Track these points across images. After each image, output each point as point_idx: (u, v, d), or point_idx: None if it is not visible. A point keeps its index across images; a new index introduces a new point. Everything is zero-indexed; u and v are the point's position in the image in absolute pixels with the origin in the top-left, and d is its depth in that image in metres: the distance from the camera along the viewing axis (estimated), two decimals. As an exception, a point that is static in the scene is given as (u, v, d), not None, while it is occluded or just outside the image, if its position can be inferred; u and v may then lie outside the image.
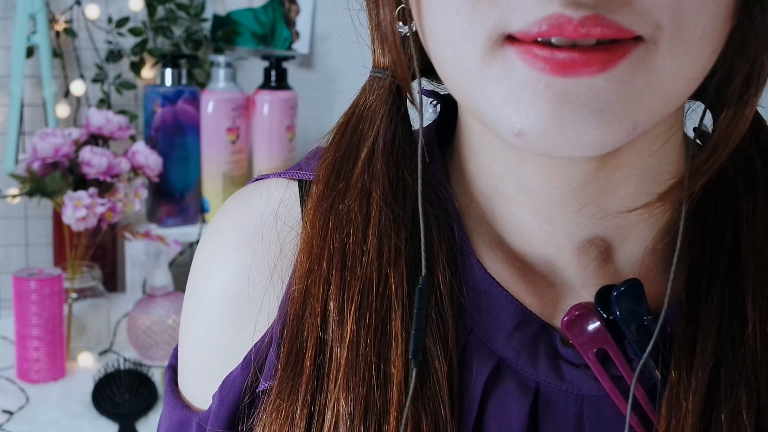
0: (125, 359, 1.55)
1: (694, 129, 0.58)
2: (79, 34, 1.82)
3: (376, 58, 0.59)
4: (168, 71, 1.76)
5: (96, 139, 1.66)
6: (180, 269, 1.80)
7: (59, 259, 1.78)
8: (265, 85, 1.81)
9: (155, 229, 1.79)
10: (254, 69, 1.89)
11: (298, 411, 0.55)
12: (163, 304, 1.62)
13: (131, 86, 1.85)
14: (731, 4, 0.46)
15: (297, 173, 0.62)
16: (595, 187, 0.54)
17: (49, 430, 1.40)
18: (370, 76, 0.60)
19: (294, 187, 0.61)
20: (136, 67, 1.86)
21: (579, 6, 0.43)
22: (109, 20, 1.83)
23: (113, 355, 1.64)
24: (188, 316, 0.64)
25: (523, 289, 0.57)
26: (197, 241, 0.61)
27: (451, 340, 0.54)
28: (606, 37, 0.44)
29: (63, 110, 1.80)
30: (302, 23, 1.94)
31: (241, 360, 0.60)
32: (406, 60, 0.56)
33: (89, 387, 1.50)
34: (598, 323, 0.54)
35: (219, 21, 1.94)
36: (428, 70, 0.57)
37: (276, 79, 1.80)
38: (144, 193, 1.67)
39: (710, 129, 0.54)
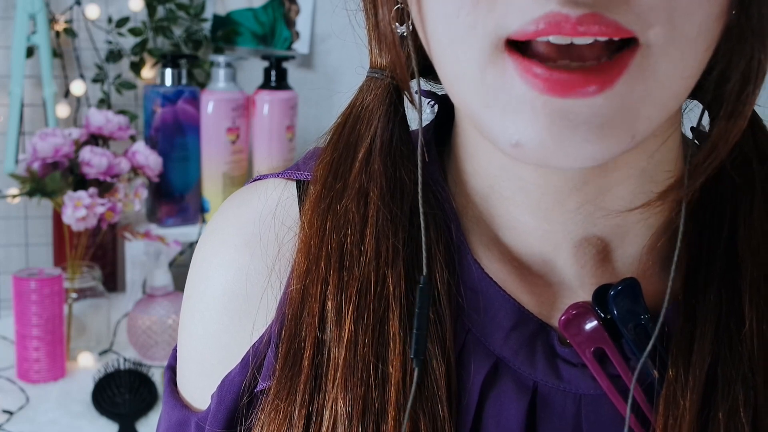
0: (125, 359, 1.55)
1: (692, 128, 0.58)
2: (79, 34, 1.82)
3: (373, 59, 0.59)
4: (168, 71, 1.76)
5: (96, 139, 1.66)
6: (180, 269, 1.80)
7: (59, 259, 1.78)
8: (265, 85, 1.81)
9: (155, 229, 1.79)
10: (254, 69, 1.89)
11: (297, 411, 0.55)
12: (163, 304, 1.62)
13: (131, 86, 1.85)
14: (725, 1, 0.46)
15: (295, 173, 0.62)
16: (593, 188, 0.54)
17: (49, 430, 1.40)
18: (367, 76, 0.60)
19: (292, 187, 0.61)
20: (136, 67, 1.86)
21: (577, 4, 0.43)
22: (109, 20, 1.83)
23: (113, 355, 1.64)
24: (187, 316, 0.64)
25: (520, 288, 0.57)
26: (197, 241, 0.61)
27: (449, 339, 0.54)
28: (604, 35, 0.44)
29: (63, 110, 1.80)
30: (302, 23, 1.94)
31: (239, 360, 0.60)
32: (403, 60, 0.56)
33: (89, 387, 1.50)
34: (595, 322, 0.54)
35: (219, 21, 1.94)
36: (426, 71, 0.57)
37: (276, 79, 1.80)
38: (144, 193, 1.67)
39: (707, 129, 0.54)
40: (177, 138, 1.76)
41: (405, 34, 0.55)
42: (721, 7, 0.46)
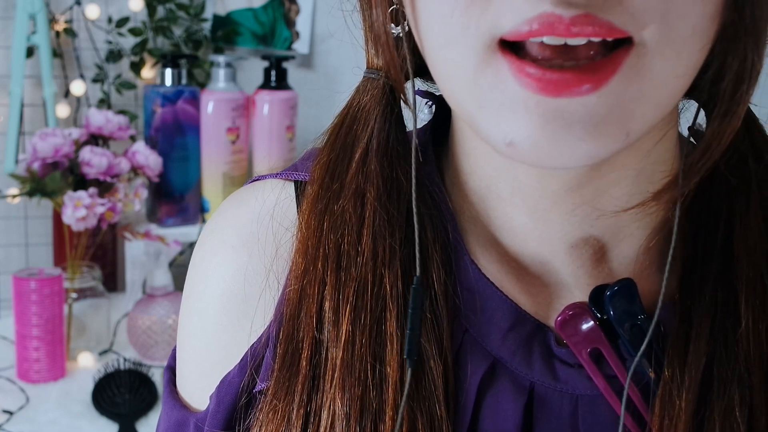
0: (125, 359, 1.55)
1: (689, 128, 0.58)
2: (79, 34, 1.82)
3: (369, 59, 0.59)
4: (168, 71, 1.76)
5: (96, 139, 1.66)
6: (180, 269, 1.80)
7: (59, 259, 1.78)
8: (265, 85, 1.81)
9: (155, 229, 1.79)
10: (254, 69, 1.89)
11: (295, 411, 0.55)
12: (163, 304, 1.62)
13: (131, 86, 1.85)
14: (719, 1, 0.47)
15: (293, 174, 0.62)
16: (589, 188, 0.54)
17: (49, 430, 1.40)
18: (363, 77, 0.60)
19: (290, 188, 0.61)
20: (136, 67, 1.86)
21: (570, 5, 0.43)
22: (109, 20, 1.83)
23: (113, 355, 1.64)
24: (186, 315, 0.64)
25: (517, 288, 0.57)
26: (197, 241, 0.62)
27: (446, 339, 0.54)
28: (597, 36, 0.44)
29: (63, 110, 1.80)
30: (302, 23, 1.94)
31: (238, 360, 0.60)
32: (399, 61, 0.56)
33: (89, 387, 1.50)
34: (591, 323, 0.54)
35: (219, 21, 1.94)
36: (422, 71, 0.57)
37: (276, 79, 1.80)
38: (144, 193, 1.67)
39: (704, 128, 0.54)
40: (177, 138, 1.77)
41: (400, 35, 0.55)
42: (716, 7, 0.46)
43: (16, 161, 1.70)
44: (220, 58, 1.78)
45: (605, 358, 0.54)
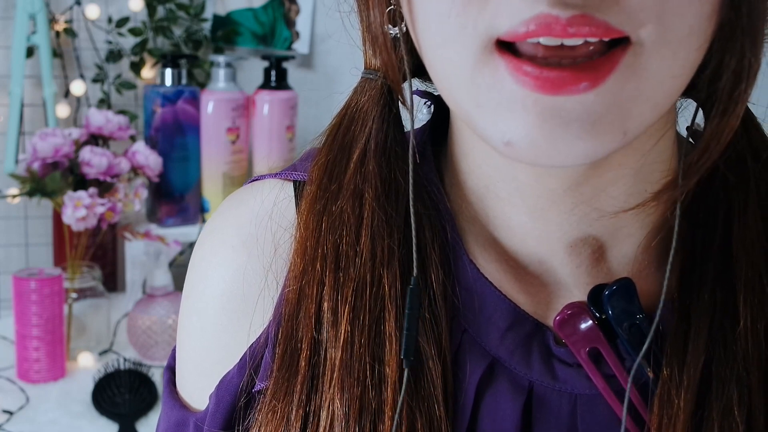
0: (125, 359, 1.55)
1: (687, 128, 0.58)
2: (79, 34, 1.82)
3: (367, 60, 0.59)
4: (168, 71, 1.76)
5: (96, 139, 1.66)
6: (180, 269, 1.80)
7: (59, 259, 1.78)
8: (265, 85, 1.81)
9: (155, 229, 1.79)
10: (254, 69, 1.89)
11: (294, 412, 0.55)
12: (163, 304, 1.62)
13: (131, 86, 1.85)
14: (716, 1, 0.46)
15: (292, 174, 0.62)
16: (588, 188, 0.54)
17: (49, 430, 1.40)
18: (361, 77, 0.60)
19: (289, 188, 0.61)
20: (136, 67, 1.86)
21: (567, 6, 0.43)
22: (109, 20, 1.83)
23: (113, 355, 1.64)
24: (185, 315, 0.64)
25: (516, 288, 0.57)
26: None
27: (445, 339, 0.54)
28: (594, 36, 0.44)
29: (63, 110, 1.80)
30: (302, 23, 1.94)
31: (237, 360, 0.60)
32: (396, 61, 0.56)
33: (89, 387, 1.50)
34: (590, 322, 0.54)
35: (219, 21, 1.94)
36: (419, 71, 0.57)
37: (276, 79, 1.80)
38: (144, 193, 1.67)
39: (703, 127, 0.54)
40: (177, 138, 1.77)
41: (398, 35, 0.55)
42: (712, 7, 0.46)
43: (16, 161, 1.70)
44: (220, 58, 1.78)
45: (604, 357, 0.54)
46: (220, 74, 1.79)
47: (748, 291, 0.54)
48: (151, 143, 1.75)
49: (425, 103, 0.62)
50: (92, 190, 1.56)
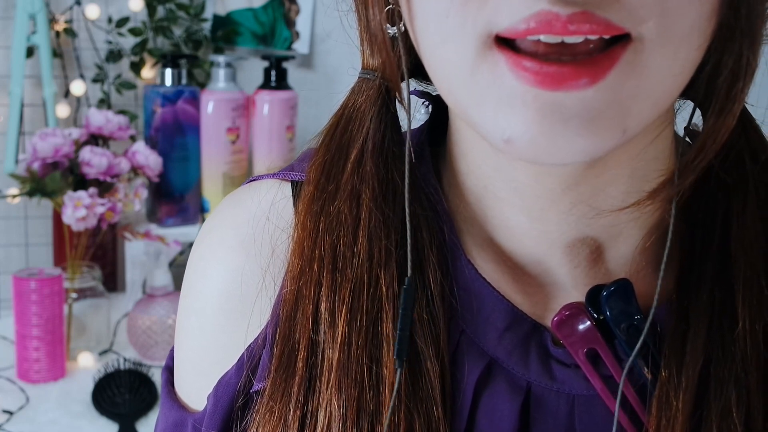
0: (125, 359, 1.55)
1: (685, 128, 0.58)
2: (79, 34, 1.82)
3: (365, 60, 0.59)
4: (168, 71, 1.76)
5: (96, 139, 1.66)
6: (180, 269, 1.80)
7: (59, 259, 1.78)
8: (265, 85, 1.81)
9: (155, 229, 1.79)
10: (254, 69, 1.89)
11: (291, 412, 0.55)
12: (163, 304, 1.62)
13: (131, 86, 1.85)
14: (716, 0, 0.46)
15: (289, 174, 0.62)
16: (586, 187, 0.54)
17: (49, 430, 1.40)
18: (359, 77, 0.60)
19: (286, 188, 0.61)
20: (136, 67, 1.86)
21: (567, 3, 0.43)
22: (109, 20, 1.83)
23: (113, 355, 1.64)
24: (184, 315, 0.64)
25: (514, 289, 0.57)
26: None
27: (443, 340, 0.54)
28: (595, 33, 0.43)
29: (63, 110, 1.80)
30: (302, 23, 1.94)
31: (235, 361, 0.60)
32: (395, 60, 0.56)
33: (89, 387, 1.50)
34: (588, 323, 0.54)
35: (219, 21, 1.94)
36: (417, 71, 0.57)
37: (276, 79, 1.80)
38: (144, 193, 1.67)
39: (701, 128, 0.54)
40: (177, 138, 1.77)
41: (396, 35, 0.55)
42: (712, 6, 0.46)
43: (16, 161, 1.70)
44: (220, 58, 1.78)
45: (602, 358, 0.54)
46: (220, 74, 1.79)
47: (746, 292, 0.54)
48: (151, 143, 1.75)
49: (423, 104, 0.62)
50: (92, 190, 1.56)
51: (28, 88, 1.77)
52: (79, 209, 1.53)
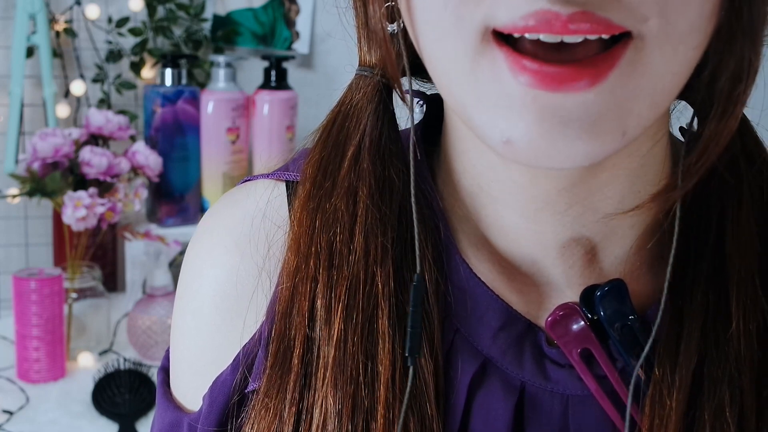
0: (125, 359, 1.55)
1: (680, 128, 0.58)
2: (79, 34, 1.82)
3: (362, 56, 0.59)
4: (168, 71, 1.76)
5: (96, 139, 1.66)
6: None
7: (59, 259, 1.78)
8: (265, 85, 1.82)
9: (155, 229, 1.79)
10: (254, 69, 1.90)
11: (287, 409, 0.55)
12: (163, 304, 1.62)
13: (131, 86, 1.86)
14: (717, 1, 0.46)
15: (284, 174, 0.62)
16: (582, 189, 0.54)
17: (49, 430, 1.40)
18: (356, 74, 0.60)
19: (281, 187, 0.61)
20: (136, 67, 1.86)
21: (568, 2, 0.42)
22: (109, 20, 1.83)
23: (113, 355, 1.64)
24: (179, 315, 0.64)
25: (508, 288, 0.57)
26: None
27: (437, 338, 0.54)
28: (595, 33, 0.43)
29: (63, 110, 1.80)
30: (302, 23, 1.94)
31: (231, 361, 0.60)
32: (394, 57, 0.55)
33: (89, 387, 1.50)
34: (582, 323, 0.54)
35: (219, 21, 1.95)
36: (415, 69, 0.57)
37: (276, 79, 1.80)
38: (144, 193, 1.67)
39: (695, 128, 0.54)
40: (177, 138, 1.77)
41: (395, 31, 0.55)
42: (713, 6, 0.46)
43: (16, 161, 1.70)
44: (220, 58, 1.79)
45: (596, 358, 0.54)
46: (220, 74, 1.79)
47: (740, 292, 0.54)
48: (151, 143, 1.76)
49: (418, 103, 0.62)
50: (92, 190, 1.56)
51: (28, 88, 1.77)
52: (79, 209, 1.53)
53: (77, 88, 1.81)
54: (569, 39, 0.44)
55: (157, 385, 0.67)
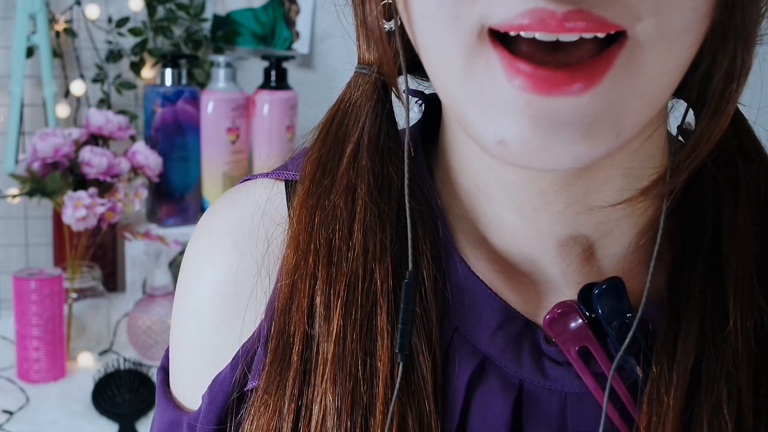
0: (125, 359, 1.56)
1: (678, 127, 0.58)
2: (79, 34, 1.82)
3: (361, 54, 0.59)
4: (168, 71, 1.76)
5: (96, 139, 1.67)
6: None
7: (59, 259, 1.78)
8: (265, 85, 1.82)
9: (155, 229, 1.79)
10: (254, 69, 1.90)
11: (286, 405, 0.55)
12: (163, 304, 1.62)
13: (131, 86, 1.86)
14: (711, 0, 0.46)
15: (283, 173, 0.62)
16: (579, 188, 0.54)
17: (49, 430, 1.41)
18: (355, 72, 0.60)
19: (280, 186, 0.62)
20: (136, 67, 1.87)
21: (563, 1, 0.42)
22: (109, 20, 1.83)
23: (113, 355, 1.65)
24: (178, 315, 0.64)
25: (506, 286, 0.57)
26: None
27: (435, 336, 0.55)
28: (591, 31, 0.43)
29: (63, 110, 1.80)
30: (302, 23, 1.94)
31: (230, 360, 0.60)
32: (392, 55, 0.55)
33: (89, 387, 1.50)
34: (580, 321, 0.54)
35: (219, 21, 1.95)
36: (413, 67, 0.57)
37: (276, 79, 1.80)
38: (144, 193, 1.67)
39: (694, 127, 0.54)
40: (177, 138, 1.77)
41: (393, 29, 0.55)
42: (707, 5, 0.46)
43: (16, 161, 1.71)
44: (220, 58, 1.79)
45: (593, 356, 0.54)
46: (220, 74, 1.79)
47: (737, 290, 0.54)
48: (151, 143, 1.76)
49: (416, 102, 0.62)
50: (92, 190, 1.56)
51: (28, 88, 1.77)
52: (79, 209, 1.53)
53: (77, 88, 1.81)
54: (565, 38, 0.44)
55: (157, 384, 0.67)
